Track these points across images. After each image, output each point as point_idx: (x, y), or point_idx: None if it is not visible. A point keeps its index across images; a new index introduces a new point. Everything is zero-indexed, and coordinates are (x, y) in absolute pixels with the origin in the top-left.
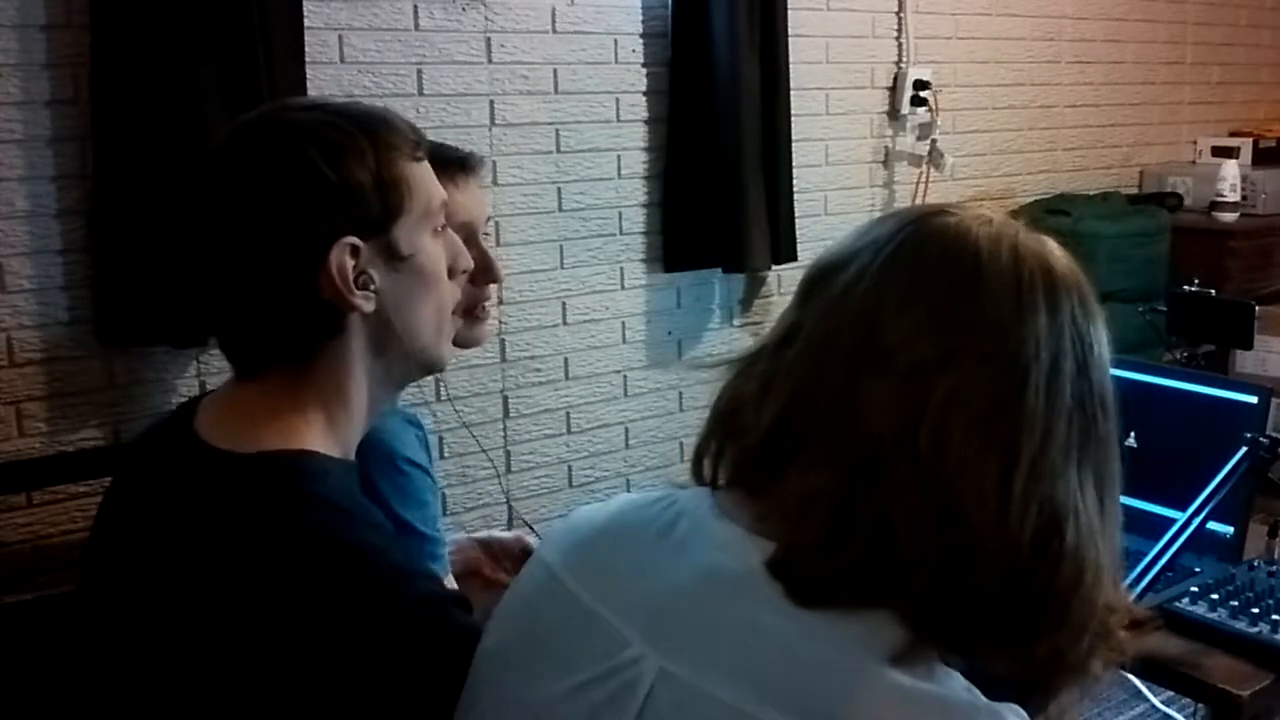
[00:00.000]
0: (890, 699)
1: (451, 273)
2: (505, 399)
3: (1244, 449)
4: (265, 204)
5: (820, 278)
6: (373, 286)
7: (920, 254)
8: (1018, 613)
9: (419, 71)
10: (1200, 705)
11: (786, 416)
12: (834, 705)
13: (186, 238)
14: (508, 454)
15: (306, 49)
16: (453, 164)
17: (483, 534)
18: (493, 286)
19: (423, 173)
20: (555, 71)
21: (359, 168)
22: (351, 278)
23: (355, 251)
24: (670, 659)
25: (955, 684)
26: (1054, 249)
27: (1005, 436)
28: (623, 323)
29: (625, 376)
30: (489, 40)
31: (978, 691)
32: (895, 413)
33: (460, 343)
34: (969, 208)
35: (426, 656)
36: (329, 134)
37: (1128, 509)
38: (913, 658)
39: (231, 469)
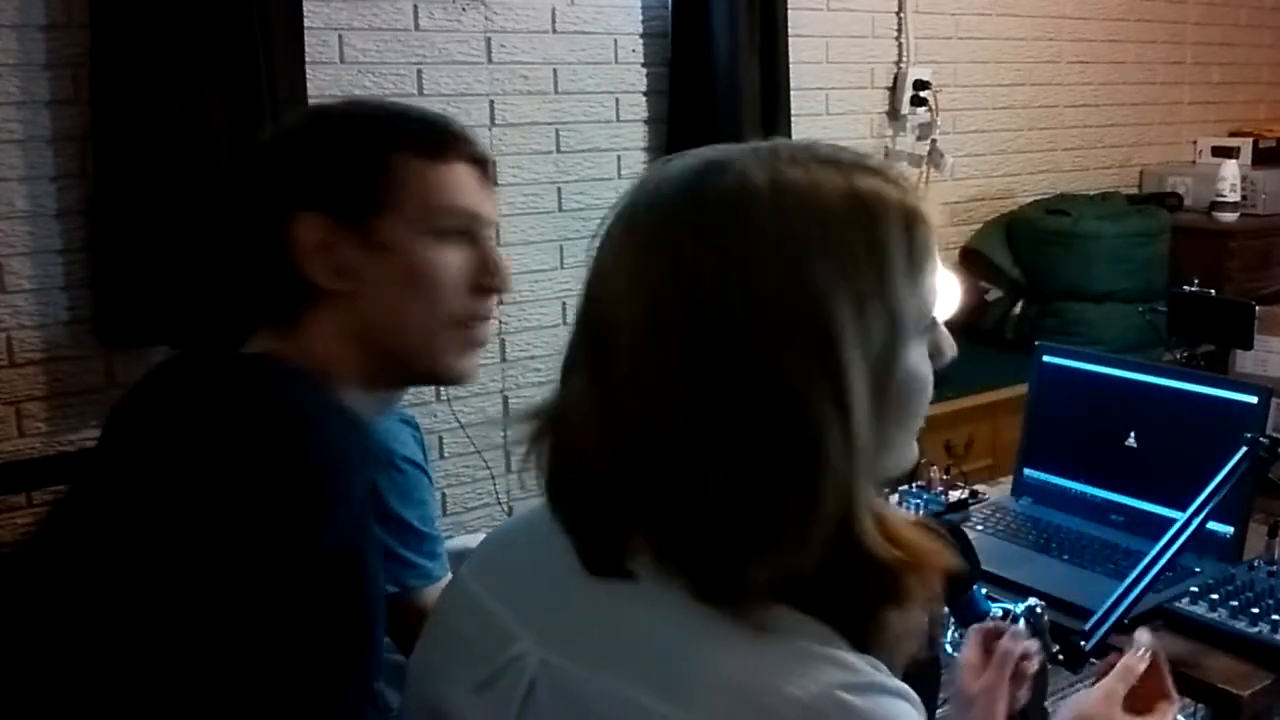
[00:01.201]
0: (734, 658)
1: (474, 286)
2: (505, 399)
3: (1244, 449)
4: (254, 180)
5: (603, 232)
6: (345, 270)
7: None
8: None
9: (419, 71)
10: (1200, 705)
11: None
12: (689, 671)
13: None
14: (507, 454)
15: (306, 49)
16: None
17: None
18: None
19: (433, 174)
20: (555, 71)
21: (354, 158)
22: (314, 254)
23: (329, 230)
24: (549, 649)
25: (808, 633)
26: (800, 184)
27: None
28: None
29: None
30: (489, 40)
31: (841, 643)
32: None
33: None
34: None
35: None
36: (347, 117)
37: (1129, 509)
38: (759, 615)
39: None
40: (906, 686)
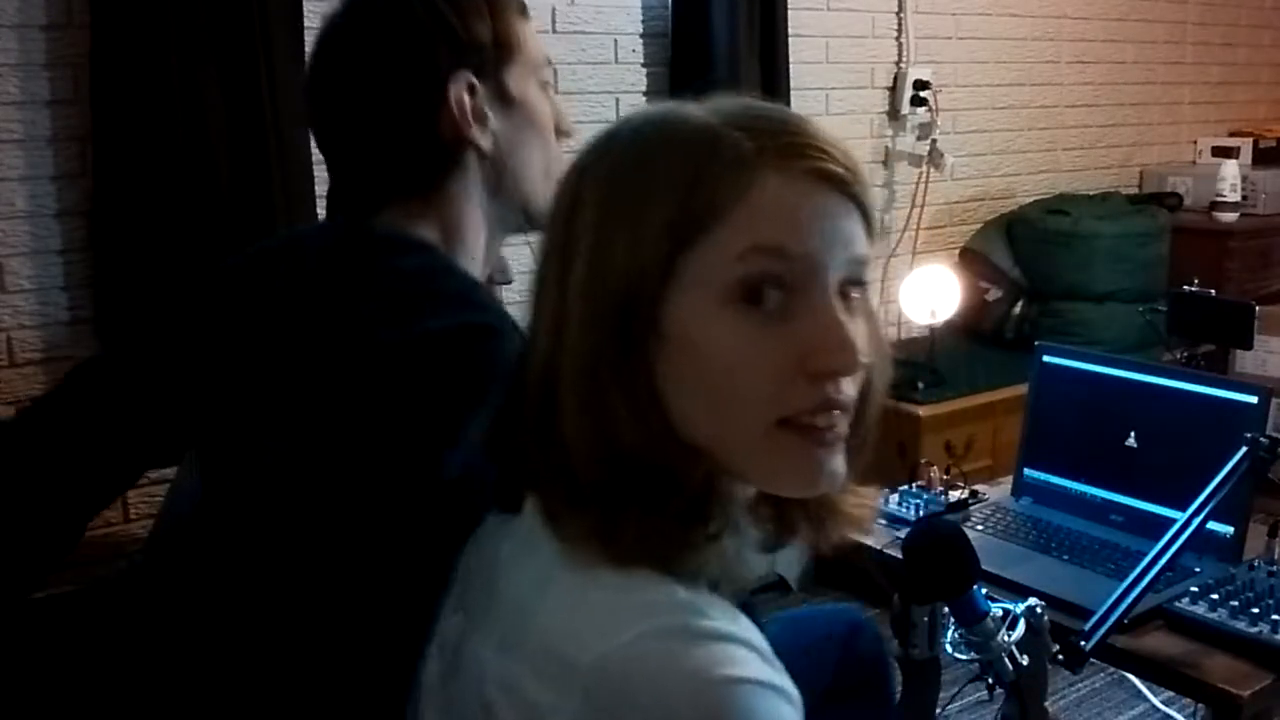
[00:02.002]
0: (561, 607)
1: (558, 131)
2: None
3: (1244, 449)
4: (395, 46)
5: None
6: (488, 125)
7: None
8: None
9: None
10: (1200, 705)
11: None
12: (525, 624)
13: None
14: None
15: (306, 49)
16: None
17: None
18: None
19: (530, 30)
20: (555, 71)
21: (476, 17)
22: (469, 112)
23: (473, 90)
24: (470, 621)
25: (641, 581)
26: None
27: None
28: None
29: None
30: None
31: (677, 587)
32: None
33: None
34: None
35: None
36: None
37: (1129, 509)
38: (599, 566)
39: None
40: (750, 636)
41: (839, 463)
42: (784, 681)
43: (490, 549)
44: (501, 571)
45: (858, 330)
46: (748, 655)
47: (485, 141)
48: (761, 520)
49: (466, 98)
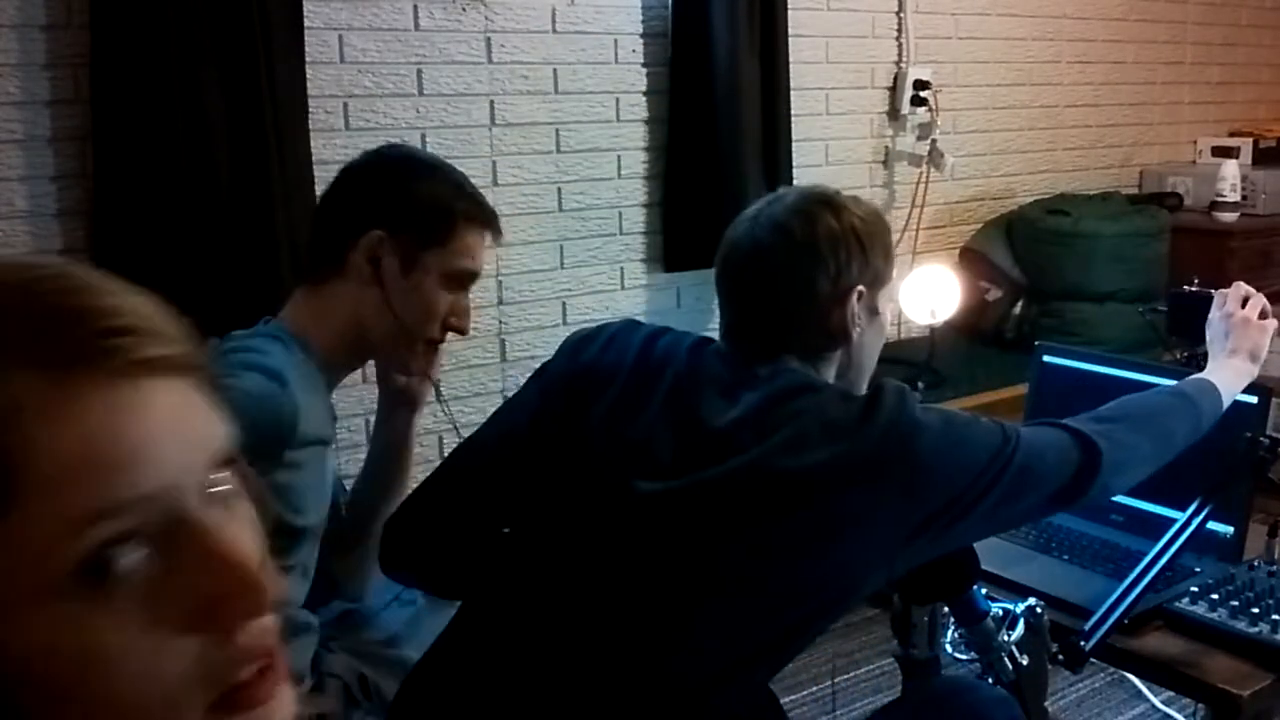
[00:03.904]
0: None
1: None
2: (505, 399)
3: (1244, 449)
4: (831, 261)
5: None
6: (860, 327)
7: None
8: None
9: (419, 71)
10: (1200, 705)
11: None
12: None
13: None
14: None
15: (306, 49)
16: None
17: None
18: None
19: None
20: (555, 71)
21: (884, 253)
22: (855, 317)
23: (861, 300)
24: None
25: None
26: None
27: None
28: None
29: None
30: (489, 40)
31: None
32: None
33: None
34: None
35: None
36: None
37: (1129, 509)
38: None
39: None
40: None
41: (290, 699)
42: None
43: None
44: None
45: (244, 539)
46: None
47: (855, 338)
48: None
49: (857, 306)
